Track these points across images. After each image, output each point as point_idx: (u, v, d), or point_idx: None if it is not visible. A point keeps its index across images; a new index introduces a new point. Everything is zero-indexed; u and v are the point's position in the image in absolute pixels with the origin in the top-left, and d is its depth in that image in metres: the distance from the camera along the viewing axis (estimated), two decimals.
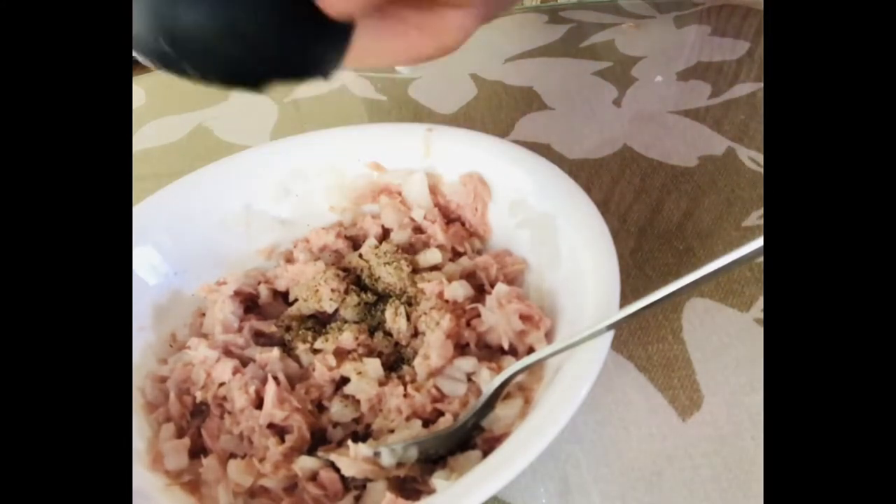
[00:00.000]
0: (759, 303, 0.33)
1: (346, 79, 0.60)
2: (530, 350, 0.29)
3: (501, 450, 0.22)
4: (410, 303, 0.31)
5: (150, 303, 0.33)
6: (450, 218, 0.36)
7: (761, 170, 0.42)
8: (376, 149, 0.37)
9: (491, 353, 0.30)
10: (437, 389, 0.28)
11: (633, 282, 0.35)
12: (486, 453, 0.26)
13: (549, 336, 0.29)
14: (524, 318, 0.29)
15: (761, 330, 0.32)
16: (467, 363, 0.28)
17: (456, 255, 0.34)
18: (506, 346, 0.29)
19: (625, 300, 0.34)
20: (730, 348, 0.31)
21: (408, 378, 0.29)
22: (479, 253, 0.34)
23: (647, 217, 0.39)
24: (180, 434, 0.29)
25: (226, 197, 0.36)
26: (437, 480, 0.25)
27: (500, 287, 0.30)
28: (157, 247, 0.33)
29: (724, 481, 0.26)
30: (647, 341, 0.32)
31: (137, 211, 0.33)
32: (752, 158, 0.43)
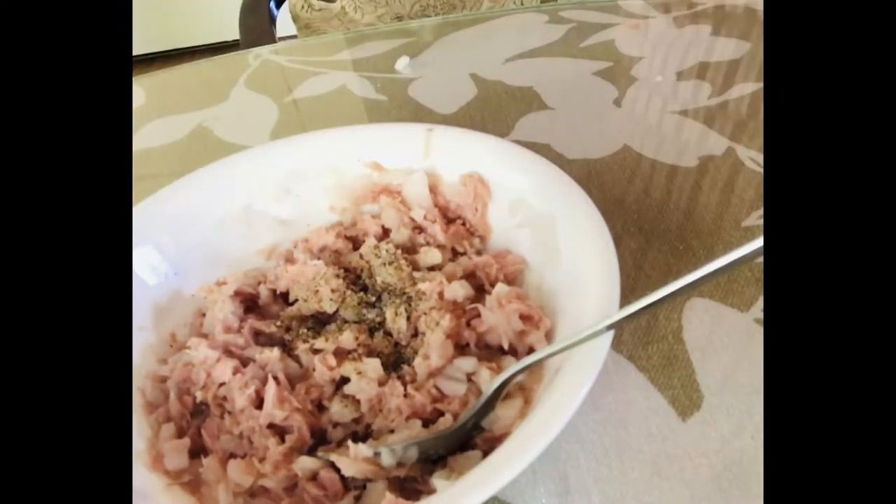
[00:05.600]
0: (759, 303, 0.33)
1: (346, 79, 0.60)
2: (530, 350, 0.29)
3: (501, 450, 0.22)
4: (410, 303, 0.31)
5: (150, 303, 0.33)
6: (450, 218, 0.36)
7: (761, 170, 0.42)
8: (376, 149, 0.37)
9: (491, 353, 0.30)
10: (437, 389, 0.28)
11: (632, 282, 0.35)
12: (486, 453, 0.26)
13: (549, 336, 0.29)
14: (524, 318, 0.29)
15: (761, 330, 0.32)
16: (467, 363, 0.28)
17: (456, 255, 0.34)
18: (506, 346, 0.29)
19: (625, 300, 0.34)
20: (730, 348, 0.31)
21: (408, 378, 0.29)
22: (480, 253, 0.34)
23: (647, 217, 0.39)
24: (180, 434, 0.29)
25: (226, 197, 0.36)
26: (437, 480, 0.25)
27: (500, 287, 0.30)
28: (157, 247, 0.33)
29: (724, 481, 0.26)
30: (647, 341, 0.32)
31: (137, 211, 0.33)
32: (752, 158, 0.43)
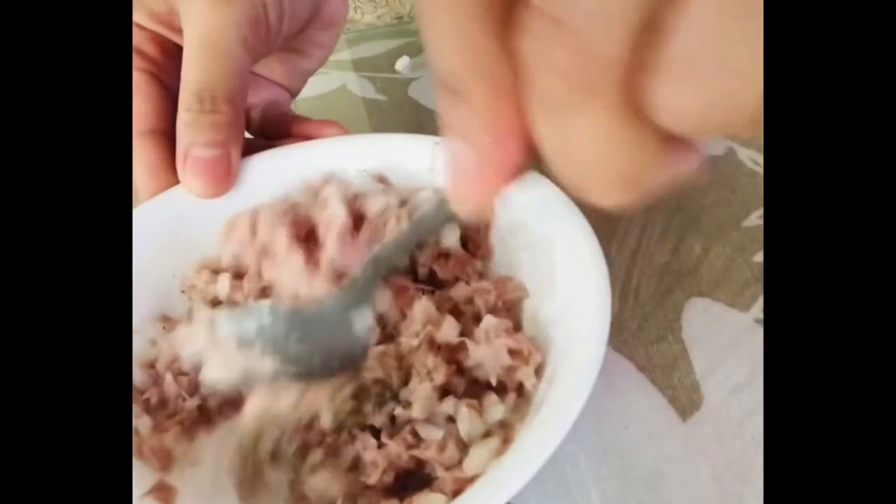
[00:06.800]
0: (759, 303, 0.33)
1: (346, 79, 0.60)
2: (519, 387, 0.28)
3: (482, 482, 0.22)
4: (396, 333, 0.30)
5: (147, 305, 0.32)
6: None
7: (761, 170, 0.42)
8: (381, 160, 0.36)
9: (476, 388, 0.28)
10: (414, 435, 0.26)
11: (633, 281, 0.35)
12: (454, 495, 0.24)
13: (539, 372, 0.27)
14: (513, 353, 0.28)
15: (761, 330, 0.32)
16: (448, 406, 0.27)
17: (456, 280, 0.33)
18: (493, 383, 0.28)
19: (624, 300, 0.34)
20: (730, 348, 0.31)
21: (381, 423, 0.27)
22: (481, 275, 0.33)
23: (647, 217, 0.39)
24: (174, 416, 0.29)
25: (226, 202, 0.35)
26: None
27: (488, 320, 0.29)
28: (157, 249, 0.33)
29: (724, 481, 0.26)
30: (647, 341, 0.32)
31: (137, 213, 0.33)
32: (752, 158, 0.43)
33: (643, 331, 0.32)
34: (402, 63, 0.61)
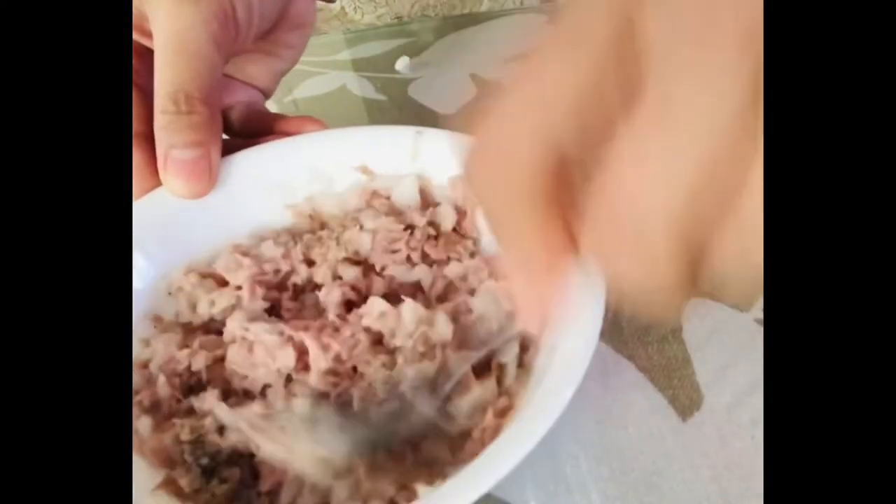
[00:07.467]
0: (760, 303, 0.33)
1: (346, 79, 0.60)
2: (522, 343, 0.28)
3: (487, 452, 0.22)
4: None
5: (137, 308, 0.32)
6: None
7: None
8: (363, 152, 0.36)
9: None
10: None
11: None
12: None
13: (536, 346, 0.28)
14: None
15: (761, 330, 0.32)
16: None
17: (448, 259, 0.34)
18: (494, 328, 0.28)
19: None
20: (730, 348, 0.31)
21: None
22: (472, 255, 0.33)
23: None
24: (170, 417, 0.29)
25: (211, 199, 0.35)
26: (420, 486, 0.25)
27: (489, 284, 0.30)
28: (146, 251, 0.33)
29: (724, 481, 0.26)
30: (647, 341, 0.32)
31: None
32: None
33: (643, 331, 0.32)
34: (402, 63, 0.61)
